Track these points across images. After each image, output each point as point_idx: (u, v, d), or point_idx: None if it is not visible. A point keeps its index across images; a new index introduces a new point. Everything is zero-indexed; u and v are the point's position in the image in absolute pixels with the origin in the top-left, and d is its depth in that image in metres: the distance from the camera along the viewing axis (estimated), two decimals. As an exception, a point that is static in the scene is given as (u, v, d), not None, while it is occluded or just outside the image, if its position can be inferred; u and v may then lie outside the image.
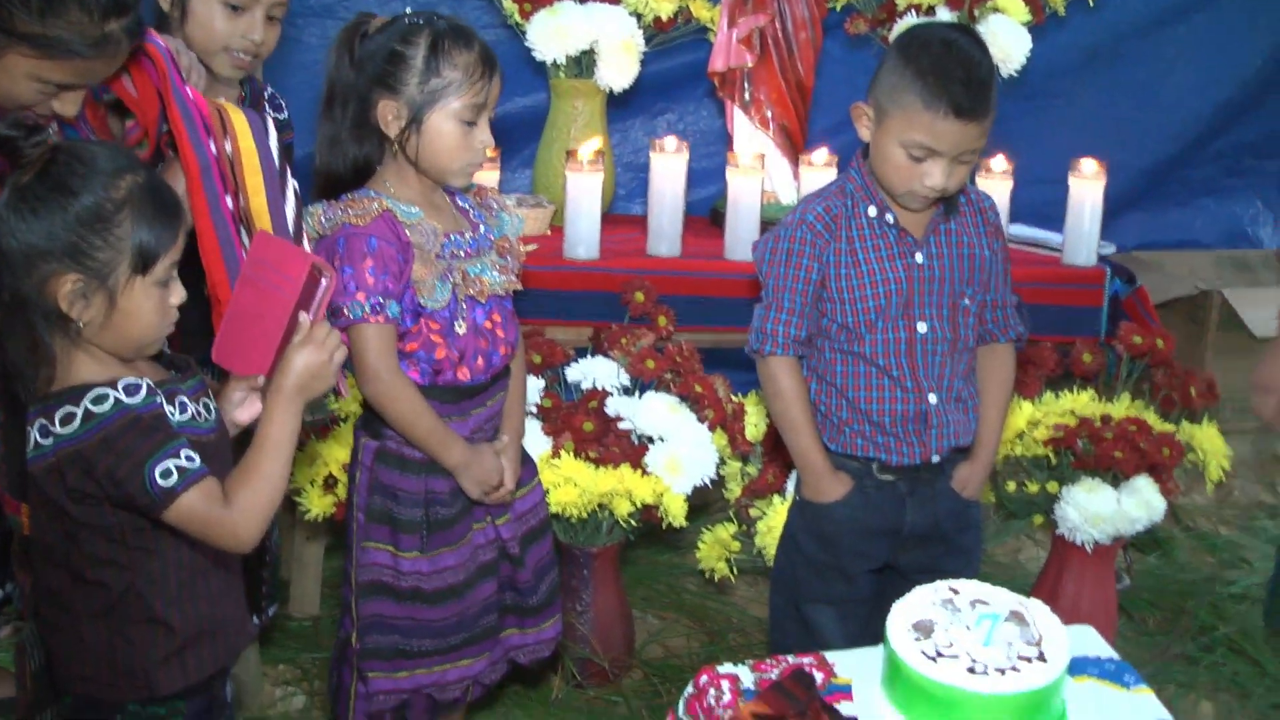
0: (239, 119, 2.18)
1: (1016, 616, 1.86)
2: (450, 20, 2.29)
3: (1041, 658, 1.80)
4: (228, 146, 2.13)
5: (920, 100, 2.22)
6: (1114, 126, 4.61)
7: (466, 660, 2.48)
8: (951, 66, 2.22)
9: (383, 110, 2.25)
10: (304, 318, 1.89)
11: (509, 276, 2.44)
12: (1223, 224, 5.05)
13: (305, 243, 2.21)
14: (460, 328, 2.33)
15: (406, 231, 2.27)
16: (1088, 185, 3.60)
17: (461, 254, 2.35)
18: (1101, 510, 3.12)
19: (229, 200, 2.15)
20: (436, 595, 2.41)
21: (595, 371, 3.15)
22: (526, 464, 2.58)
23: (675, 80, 4.27)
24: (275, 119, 2.69)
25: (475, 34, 2.29)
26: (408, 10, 2.31)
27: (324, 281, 1.92)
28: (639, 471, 2.95)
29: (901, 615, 1.88)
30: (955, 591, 1.93)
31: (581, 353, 3.26)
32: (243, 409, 2.00)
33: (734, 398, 3.20)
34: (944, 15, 3.78)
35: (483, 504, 2.44)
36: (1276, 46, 4.73)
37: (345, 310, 2.21)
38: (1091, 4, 4.08)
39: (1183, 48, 4.69)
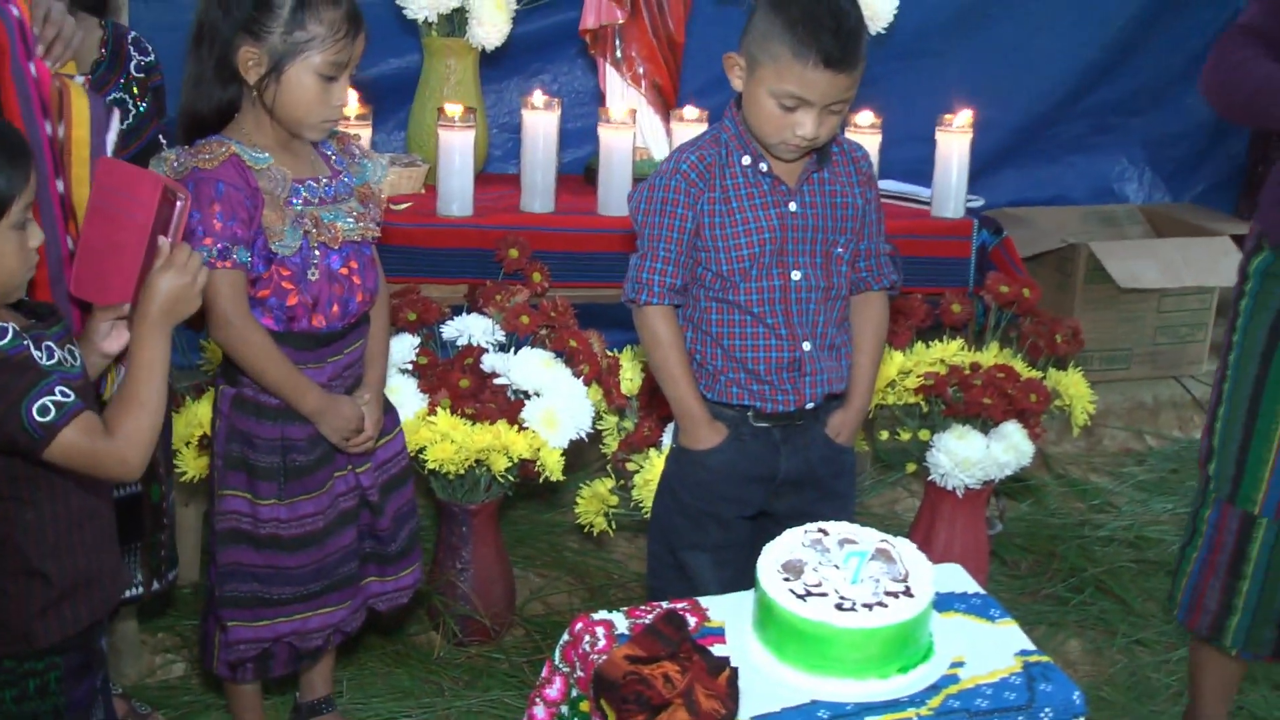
0: (79, 105, 2.15)
1: (883, 554, 1.90)
2: None
3: (908, 593, 1.83)
4: (61, 130, 2.10)
5: (790, 50, 2.23)
6: (984, 85, 4.66)
7: (327, 609, 2.48)
8: (821, 17, 2.22)
9: (244, 56, 2.22)
10: (163, 241, 1.88)
11: (367, 224, 2.42)
12: (1091, 180, 5.17)
13: None
14: (313, 274, 2.31)
15: (256, 177, 2.24)
16: (955, 138, 3.66)
17: (316, 200, 2.33)
18: (971, 455, 3.18)
19: (59, 184, 2.12)
20: (295, 542, 2.40)
21: (470, 328, 3.13)
22: (389, 413, 2.58)
23: (549, 40, 4.26)
24: (142, 61, 2.65)
25: None
26: None
27: (179, 203, 1.91)
28: (515, 427, 2.95)
29: (772, 557, 1.90)
30: (824, 533, 1.96)
31: (457, 310, 3.24)
32: (110, 339, 1.99)
33: (609, 353, 3.20)
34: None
35: (344, 452, 2.43)
36: (1141, 7, 4.82)
37: None
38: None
39: (1050, 8, 4.77)
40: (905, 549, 1.93)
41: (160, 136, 2.69)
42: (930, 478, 3.28)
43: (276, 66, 2.22)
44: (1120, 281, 4.45)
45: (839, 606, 1.79)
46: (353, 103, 3.38)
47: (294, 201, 2.30)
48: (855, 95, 2.32)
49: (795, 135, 2.29)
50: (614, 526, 3.13)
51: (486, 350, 3.09)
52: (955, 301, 3.47)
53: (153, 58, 2.70)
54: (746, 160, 2.38)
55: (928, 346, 3.39)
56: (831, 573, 1.86)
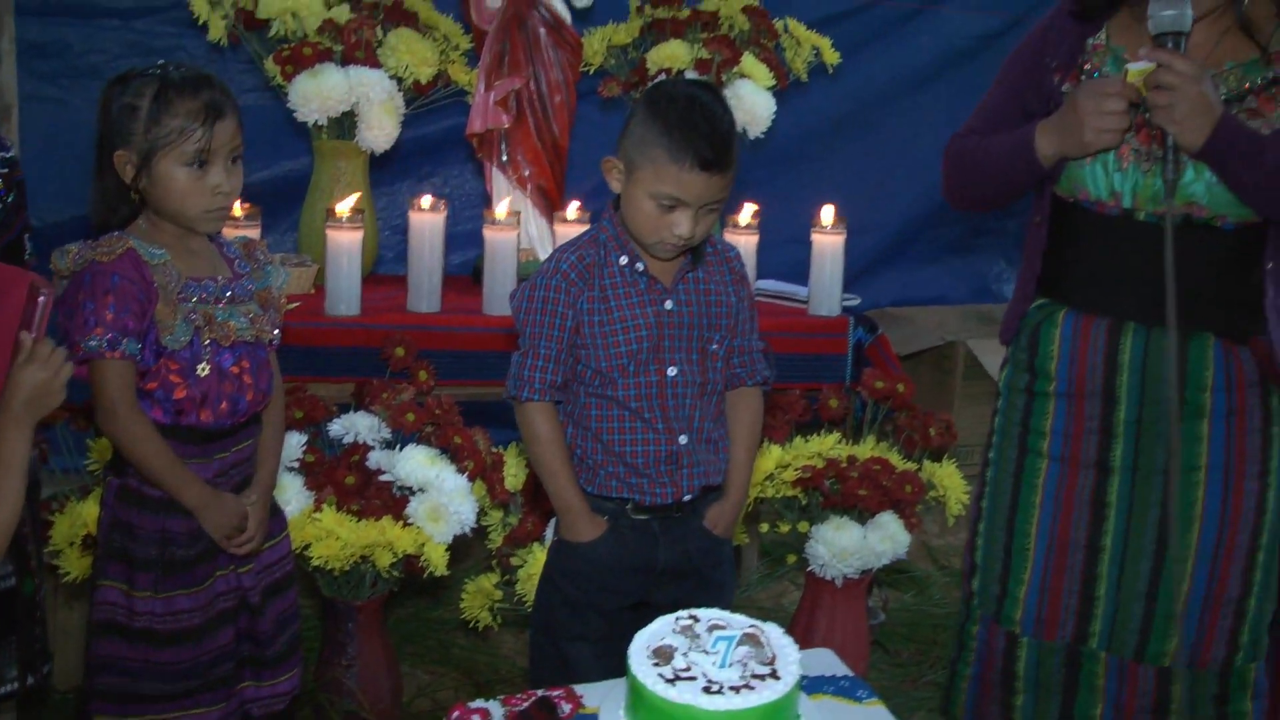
0: None
1: (751, 639, 1.94)
2: (187, 70, 2.32)
3: (774, 675, 1.88)
4: None
5: (667, 153, 2.31)
6: (864, 188, 4.85)
7: (200, 709, 2.44)
8: (696, 121, 2.31)
9: (118, 159, 2.28)
10: (24, 336, 1.90)
11: (263, 326, 2.46)
12: (969, 280, 5.35)
13: (57, 281, 2.23)
14: (203, 370, 2.34)
15: (151, 271, 2.29)
16: (828, 239, 3.78)
17: (211, 299, 2.37)
18: (848, 546, 3.26)
19: None
20: (169, 637, 2.39)
21: (357, 426, 3.17)
22: (276, 515, 2.59)
23: (438, 143, 4.35)
24: (3, 156, 2.67)
25: (209, 82, 2.31)
26: (159, 63, 2.33)
27: (41, 298, 1.93)
28: (400, 523, 2.98)
29: (642, 643, 1.94)
30: (695, 619, 2.00)
31: (344, 408, 3.28)
32: None
33: (494, 449, 3.25)
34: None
35: (227, 551, 2.44)
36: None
37: (83, 345, 2.22)
38: (830, 72, 4.27)
39: (926, 114, 4.95)
40: (773, 633, 1.98)
41: (26, 235, 2.70)
42: (810, 568, 3.35)
43: (145, 163, 2.27)
44: (996, 378, 4.58)
45: (707, 690, 1.83)
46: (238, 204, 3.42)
47: (188, 298, 2.33)
48: (729, 195, 2.41)
49: (672, 235, 2.36)
50: (499, 621, 3.16)
51: (372, 448, 3.13)
52: (832, 397, 3.57)
53: (11, 153, 2.72)
54: (624, 260, 2.45)
55: (806, 440, 3.48)
56: (701, 657, 1.90)
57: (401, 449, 3.11)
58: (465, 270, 4.14)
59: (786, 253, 4.28)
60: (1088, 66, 2.38)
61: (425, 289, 3.59)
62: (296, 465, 3.09)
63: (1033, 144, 2.34)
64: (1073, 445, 2.44)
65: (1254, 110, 2.21)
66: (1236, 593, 2.41)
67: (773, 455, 3.36)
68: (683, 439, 2.48)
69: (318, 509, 2.98)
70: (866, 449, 3.45)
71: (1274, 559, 2.41)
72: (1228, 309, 2.32)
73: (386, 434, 3.18)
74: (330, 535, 2.92)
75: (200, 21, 3.76)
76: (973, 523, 2.64)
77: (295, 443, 3.10)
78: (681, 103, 2.33)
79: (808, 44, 4.12)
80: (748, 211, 3.82)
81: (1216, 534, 2.37)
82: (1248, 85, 2.22)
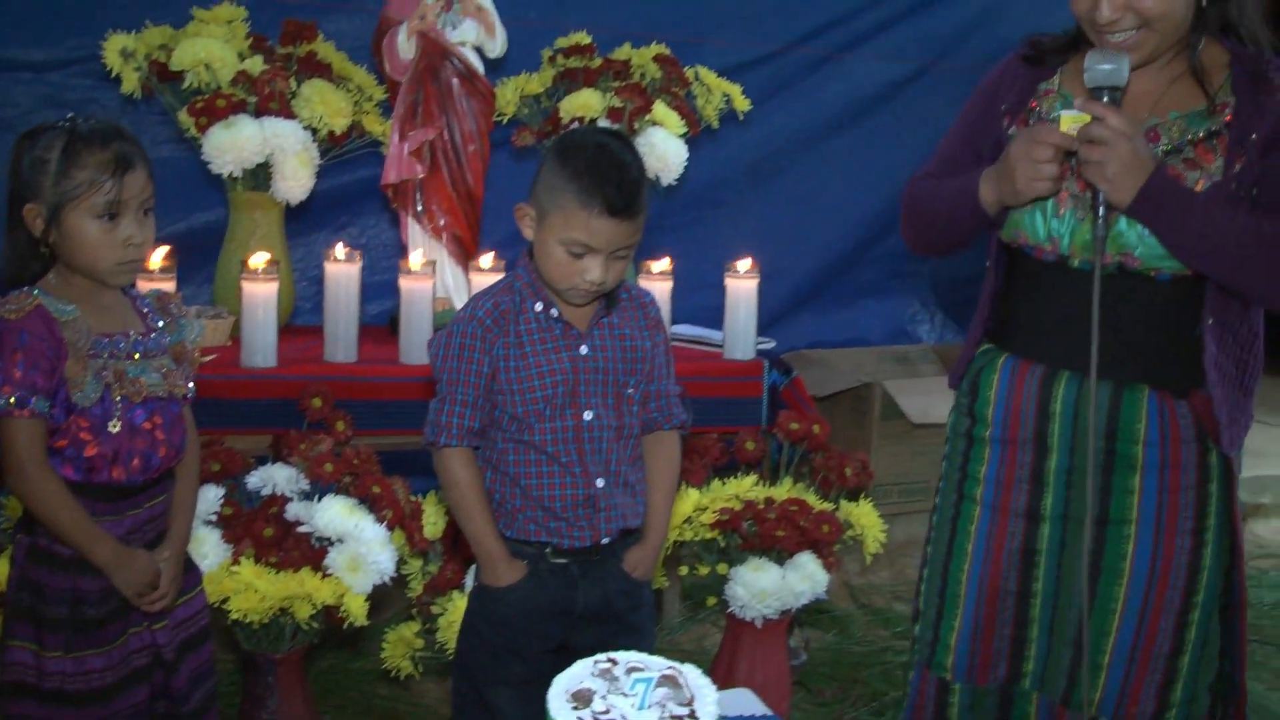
0: None
1: (669, 680, 1.96)
2: (96, 122, 2.32)
3: (692, 716, 1.90)
4: None
5: (577, 200, 2.34)
6: (779, 233, 4.92)
7: None
8: (605, 168, 2.34)
9: (28, 213, 2.28)
10: None
11: (177, 381, 2.45)
12: (886, 322, 5.43)
13: None
14: (114, 427, 2.33)
15: (60, 328, 2.27)
16: (742, 284, 3.83)
17: (123, 354, 2.36)
18: (767, 586, 3.29)
19: None
20: (81, 698, 2.35)
21: (275, 478, 3.16)
22: (190, 571, 2.57)
23: (354, 193, 4.36)
24: None
25: (118, 134, 2.31)
26: (68, 116, 2.33)
27: None
28: (319, 574, 2.97)
29: (561, 686, 1.95)
30: (613, 662, 2.02)
31: (262, 460, 3.26)
32: None
33: (413, 497, 3.25)
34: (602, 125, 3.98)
35: (140, 608, 2.42)
36: (922, 160, 5.09)
37: None
38: (741, 119, 4.34)
39: (839, 160, 5.06)
40: (691, 675, 1.99)
41: None
42: (730, 610, 3.37)
43: (55, 216, 2.27)
44: (912, 417, 4.66)
45: (626, 730, 1.84)
46: (157, 255, 3.40)
47: (99, 354, 2.32)
48: (640, 240, 2.44)
49: (584, 281, 2.39)
50: (421, 669, 3.15)
51: (290, 499, 3.12)
52: (749, 439, 3.61)
53: None
54: (539, 306, 2.47)
55: (724, 483, 3.51)
56: (619, 700, 1.91)
57: (320, 500, 3.10)
58: (382, 320, 4.15)
59: (702, 298, 4.33)
60: (1034, 107, 2.40)
61: (342, 339, 3.59)
62: (214, 518, 3.07)
63: (976, 191, 2.35)
64: (1004, 493, 2.44)
65: (1191, 161, 2.22)
66: (1167, 649, 2.37)
67: (691, 498, 3.39)
68: (600, 482, 2.50)
69: (236, 562, 2.96)
70: (784, 490, 3.48)
71: (1213, 617, 2.37)
72: (1165, 362, 2.30)
73: (305, 485, 3.17)
74: (249, 588, 2.91)
75: (113, 74, 3.75)
76: (919, 568, 2.65)
77: (212, 496, 3.09)
78: (590, 150, 2.36)
79: (719, 91, 4.18)
80: (664, 259, 3.86)
81: (1145, 588, 2.35)
82: (1189, 136, 2.23)
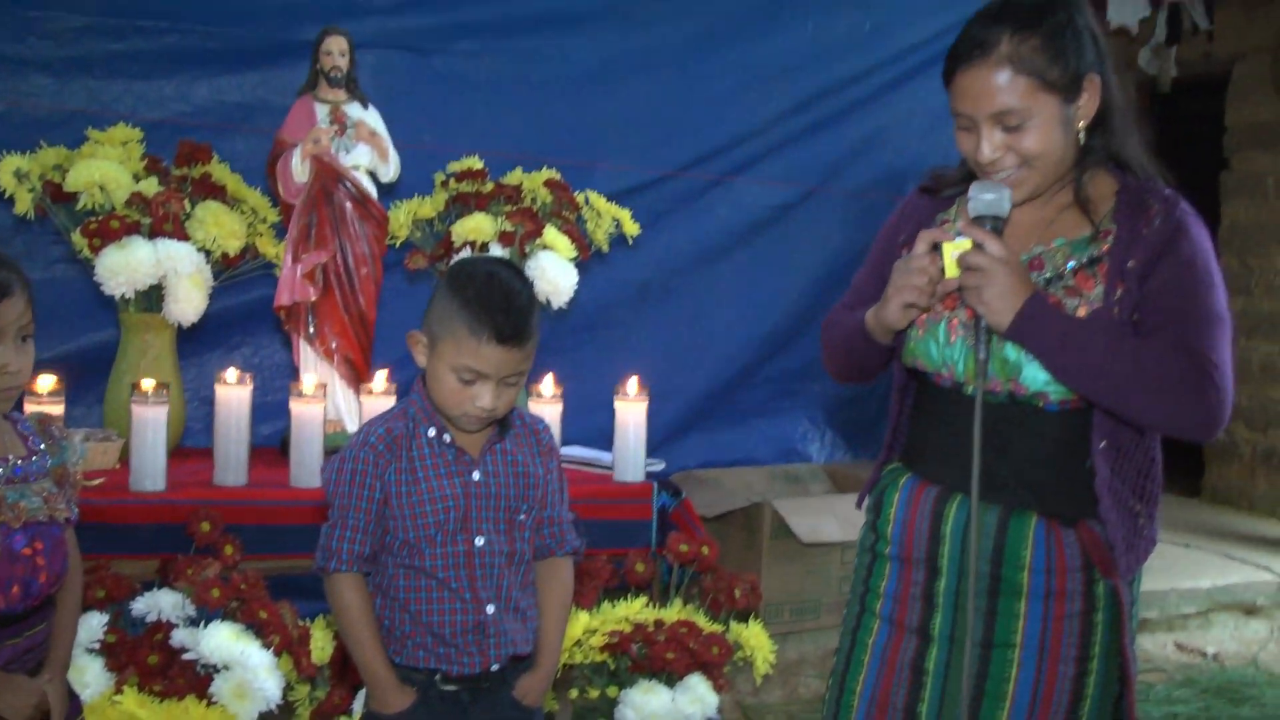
0: None
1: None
2: None
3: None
4: None
5: (466, 328, 2.37)
6: (669, 355, 5.00)
7: None
8: (494, 296, 2.38)
9: None
10: None
11: (58, 505, 2.42)
12: (775, 442, 5.50)
13: None
14: None
15: None
16: (631, 406, 3.88)
17: (2, 479, 2.34)
18: (658, 709, 3.29)
19: None
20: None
21: (161, 604, 3.13)
22: (70, 700, 2.53)
23: (247, 315, 4.37)
24: None
25: None
26: None
27: None
28: (205, 702, 2.93)
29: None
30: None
31: (148, 586, 3.22)
32: None
33: (301, 622, 3.22)
34: (496, 250, 4.03)
35: None
36: (811, 282, 5.24)
37: None
38: (631, 243, 4.42)
39: (728, 281, 5.16)
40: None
41: None
42: (622, 733, 3.38)
43: None
44: (802, 537, 4.70)
45: None
46: (46, 380, 3.38)
47: None
48: (531, 367, 2.48)
49: (475, 407, 2.41)
50: (308, 797, 3.11)
51: (176, 625, 3.08)
52: (639, 561, 3.64)
53: None
54: (432, 432, 2.49)
55: (613, 605, 3.52)
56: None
57: (206, 626, 3.07)
58: (274, 441, 4.13)
59: (593, 419, 4.37)
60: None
61: (232, 462, 3.58)
62: (97, 646, 3.02)
63: (865, 320, 2.42)
64: (900, 609, 2.47)
65: (1072, 289, 2.27)
66: None
67: (581, 621, 3.40)
68: (490, 609, 2.50)
69: (119, 691, 2.92)
70: (673, 612, 3.51)
71: None
72: (1055, 490, 2.32)
73: (191, 611, 3.14)
74: (131, 718, 2.86)
75: (7, 195, 3.75)
76: (829, 678, 2.67)
77: (96, 623, 3.04)
78: (481, 279, 2.41)
79: (608, 215, 4.27)
80: (549, 381, 3.90)
81: (1027, 714, 2.34)
82: (1072, 263, 2.28)
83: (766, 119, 5.14)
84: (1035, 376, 2.25)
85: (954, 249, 2.21)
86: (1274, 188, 7.36)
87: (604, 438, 4.17)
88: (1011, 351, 2.27)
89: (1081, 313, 2.25)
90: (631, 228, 4.31)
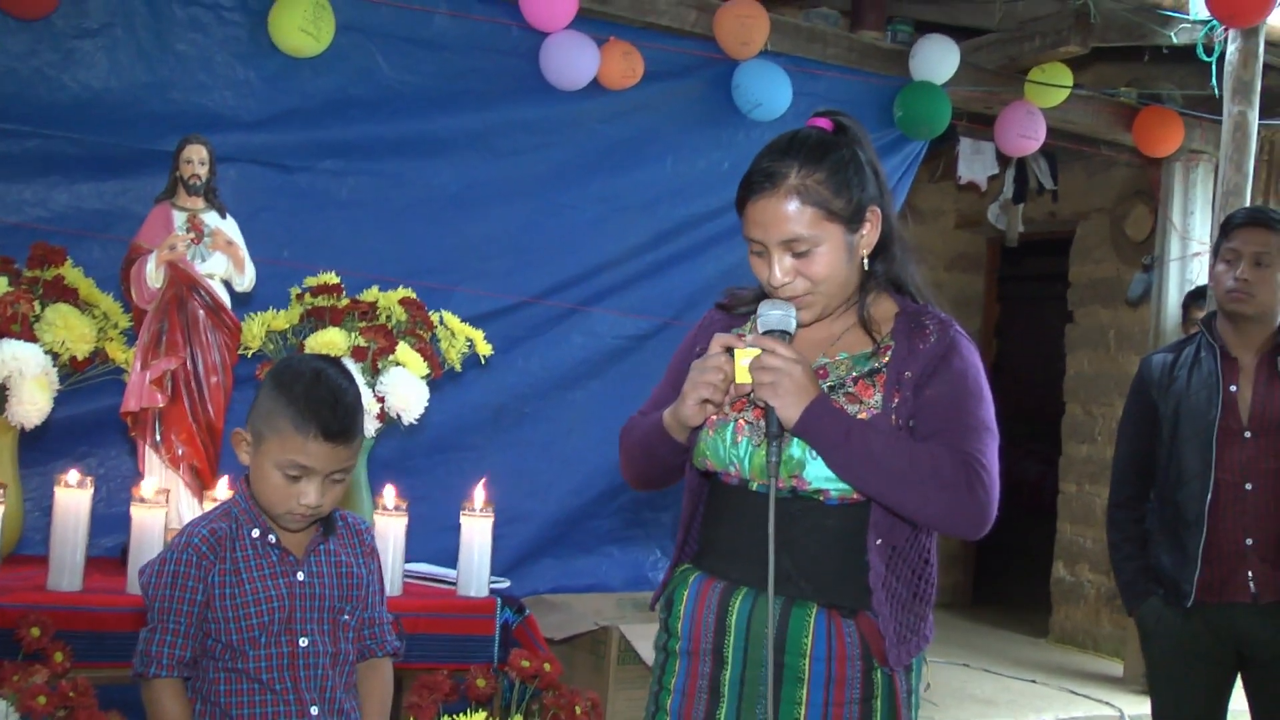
0: None
1: None
2: None
3: None
4: None
5: (292, 424, 2.41)
6: (523, 479, 5.03)
7: None
8: (321, 393, 2.43)
9: None
10: None
11: None
12: (626, 569, 5.53)
13: None
14: None
15: None
16: (476, 521, 3.90)
17: None
18: (488, 826, 3.27)
19: None
20: None
21: (-18, 711, 3.06)
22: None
23: (94, 422, 4.32)
24: None
25: None
26: None
27: None
28: (18, 808, 2.86)
29: None
30: None
31: (-29, 693, 3.15)
32: None
33: (127, 729, 3.17)
34: (349, 365, 4.05)
35: None
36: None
37: None
38: (484, 364, 4.47)
39: (581, 409, 5.23)
40: None
41: None
42: None
43: None
44: (650, 661, 4.70)
45: None
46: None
47: None
48: (355, 465, 2.52)
49: (300, 505, 2.44)
50: None
51: (-5, 731, 3.02)
52: (480, 676, 3.63)
53: None
54: (256, 532, 2.50)
55: (453, 720, 3.51)
56: None
57: (27, 732, 3.01)
58: (115, 552, 4.07)
59: (440, 540, 4.37)
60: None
61: (67, 566, 3.52)
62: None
63: (662, 419, 2.52)
64: (687, 703, 2.54)
65: (852, 395, 2.41)
66: None
67: (417, 734, 3.38)
68: (314, 710, 2.49)
69: (-73, 797, 2.84)
70: (513, 728, 3.50)
71: None
72: (835, 582, 2.43)
73: (15, 719, 3.07)
74: (-61, 822, 2.78)
75: None
76: None
77: (-92, 729, 2.97)
78: (308, 376, 2.45)
79: (462, 335, 4.32)
80: (390, 492, 3.92)
81: None
82: (853, 374, 2.43)
83: (624, 250, 5.27)
84: (817, 473, 2.37)
85: (745, 356, 2.35)
86: (1115, 340, 7.68)
87: (451, 559, 4.16)
88: (796, 449, 2.38)
89: (862, 417, 2.39)
90: (485, 348, 4.36)
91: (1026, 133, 6.10)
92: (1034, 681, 6.46)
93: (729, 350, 2.39)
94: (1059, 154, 7.29)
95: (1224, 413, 3.61)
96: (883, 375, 2.41)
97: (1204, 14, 5.42)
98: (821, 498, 2.39)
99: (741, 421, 2.45)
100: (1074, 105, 6.34)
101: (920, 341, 2.42)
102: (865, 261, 2.46)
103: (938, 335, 2.42)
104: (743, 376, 2.34)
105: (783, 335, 2.36)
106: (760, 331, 2.38)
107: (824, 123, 2.47)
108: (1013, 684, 6.39)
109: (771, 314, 2.37)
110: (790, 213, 2.36)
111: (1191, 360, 3.73)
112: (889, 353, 2.44)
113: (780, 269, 2.39)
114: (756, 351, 2.34)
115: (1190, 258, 6.83)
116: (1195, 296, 5.67)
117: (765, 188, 2.38)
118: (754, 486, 2.44)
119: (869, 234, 2.44)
